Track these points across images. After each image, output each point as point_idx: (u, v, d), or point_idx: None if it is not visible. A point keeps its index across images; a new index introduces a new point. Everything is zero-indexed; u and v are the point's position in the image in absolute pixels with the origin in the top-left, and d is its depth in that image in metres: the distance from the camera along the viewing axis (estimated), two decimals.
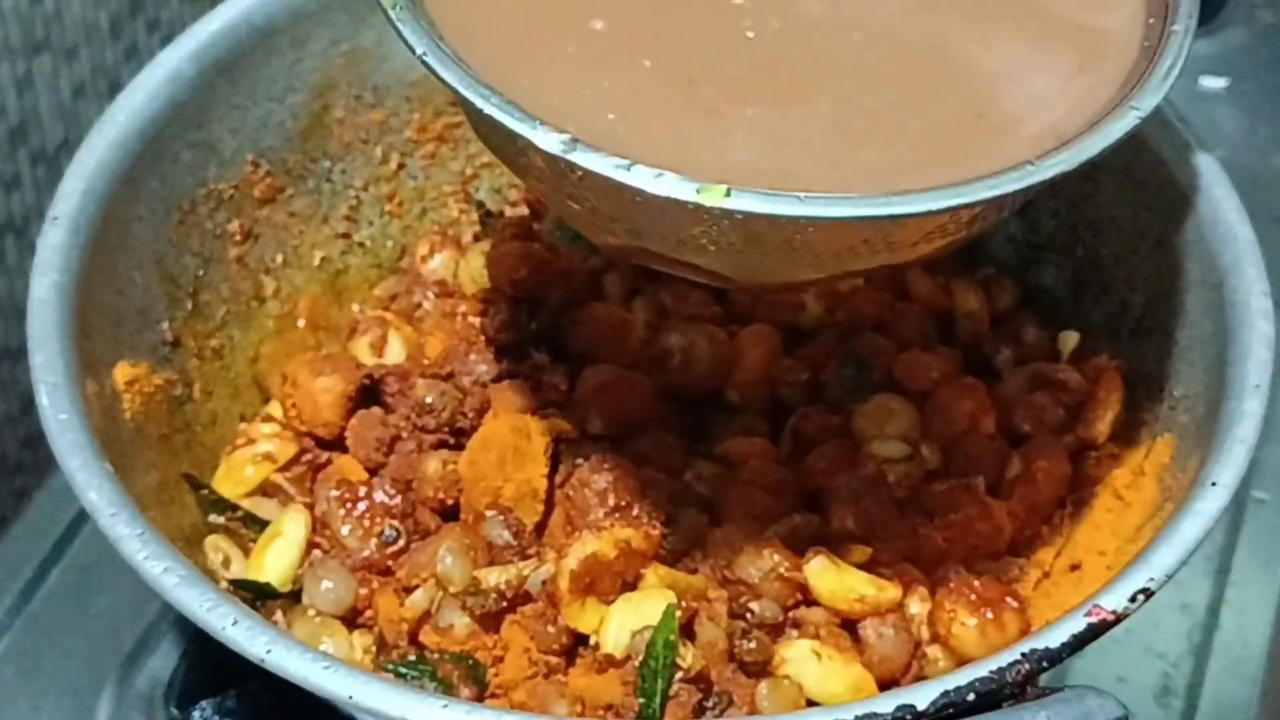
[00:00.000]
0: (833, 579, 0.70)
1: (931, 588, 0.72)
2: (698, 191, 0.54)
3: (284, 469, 0.78)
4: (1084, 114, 0.60)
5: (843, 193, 0.55)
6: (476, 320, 0.81)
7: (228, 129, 0.80)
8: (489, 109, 0.56)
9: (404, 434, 0.77)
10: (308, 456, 0.78)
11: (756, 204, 0.55)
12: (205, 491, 0.76)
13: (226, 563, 0.73)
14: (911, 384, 0.80)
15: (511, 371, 0.80)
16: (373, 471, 0.77)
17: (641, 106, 0.59)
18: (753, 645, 0.68)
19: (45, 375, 0.66)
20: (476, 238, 0.89)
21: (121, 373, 0.72)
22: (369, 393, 0.79)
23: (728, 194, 0.54)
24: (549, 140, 0.55)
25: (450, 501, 0.75)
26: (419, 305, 0.85)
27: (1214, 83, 1.14)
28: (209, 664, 0.77)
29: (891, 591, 0.71)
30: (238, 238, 0.81)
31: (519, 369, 0.81)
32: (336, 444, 0.79)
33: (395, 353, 0.82)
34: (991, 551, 0.74)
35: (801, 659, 0.68)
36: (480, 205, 0.90)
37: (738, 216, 0.55)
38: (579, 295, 0.82)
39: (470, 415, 0.77)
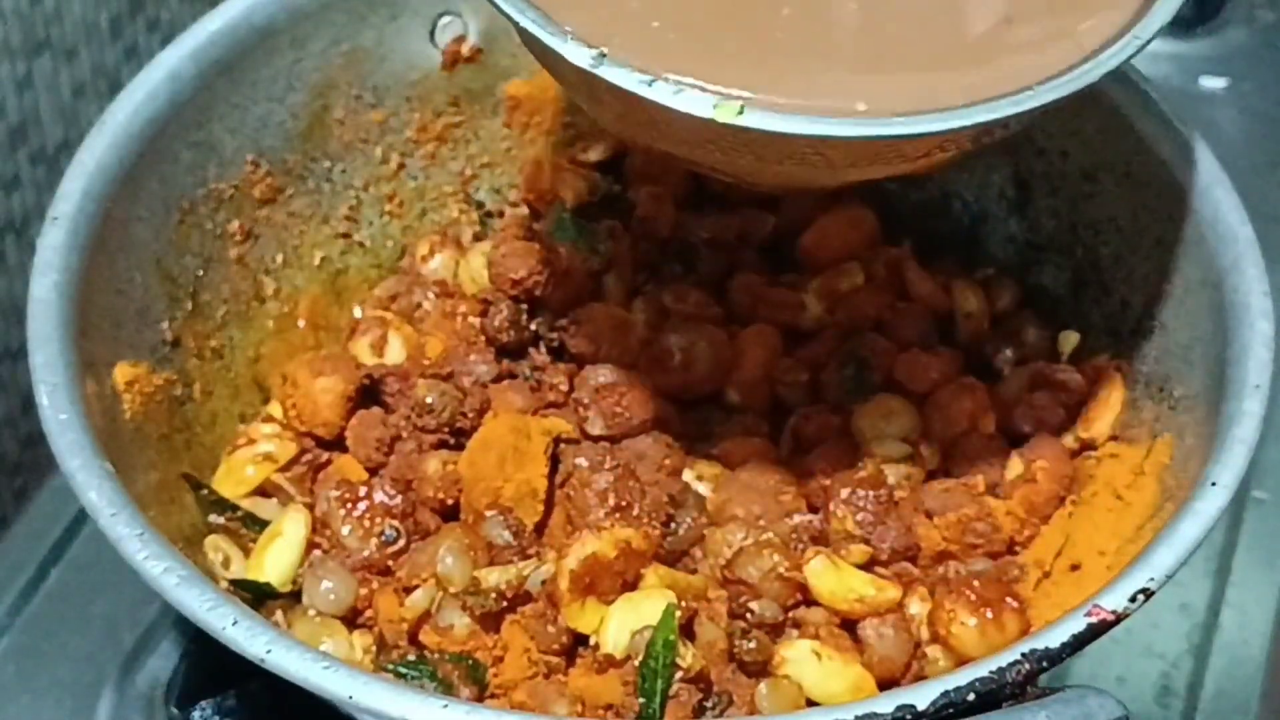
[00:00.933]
0: (832, 579, 0.70)
1: (931, 588, 0.72)
2: (714, 107, 0.58)
3: (284, 469, 0.78)
4: (1102, 35, 0.63)
5: (874, 102, 0.59)
6: (476, 320, 0.81)
7: (227, 129, 0.80)
8: (524, 22, 0.60)
9: (404, 434, 0.77)
10: (308, 456, 0.78)
11: (767, 122, 0.58)
12: (205, 491, 0.76)
13: (226, 563, 0.73)
14: (911, 384, 0.80)
15: (511, 372, 0.80)
16: (373, 471, 0.77)
17: (684, 17, 0.61)
18: (753, 645, 0.68)
19: (45, 375, 0.66)
20: (477, 238, 0.89)
21: (121, 373, 0.72)
22: (369, 393, 0.79)
23: (740, 111, 0.58)
24: (578, 55, 0.59)
25: (450, 501, 0.75)
26: (419, 305, 0.85)
27: (1214, 83, 1.14)
28: (209, 664, 0.76)
29: (891, 592, 0.71)
30: (238, 238, 0.81)
31: (519, 369, 0.81)
32: (336, 444, 0.79)
33: (395, 353, 0.82)
34: (991, 551, 0.74)
35: (801, 659, 0.68)
36: (480, 205, 0.90)
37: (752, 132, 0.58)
38: (579, 295, 0.82)
39: (470, 415, 0.77)
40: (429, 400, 0.77)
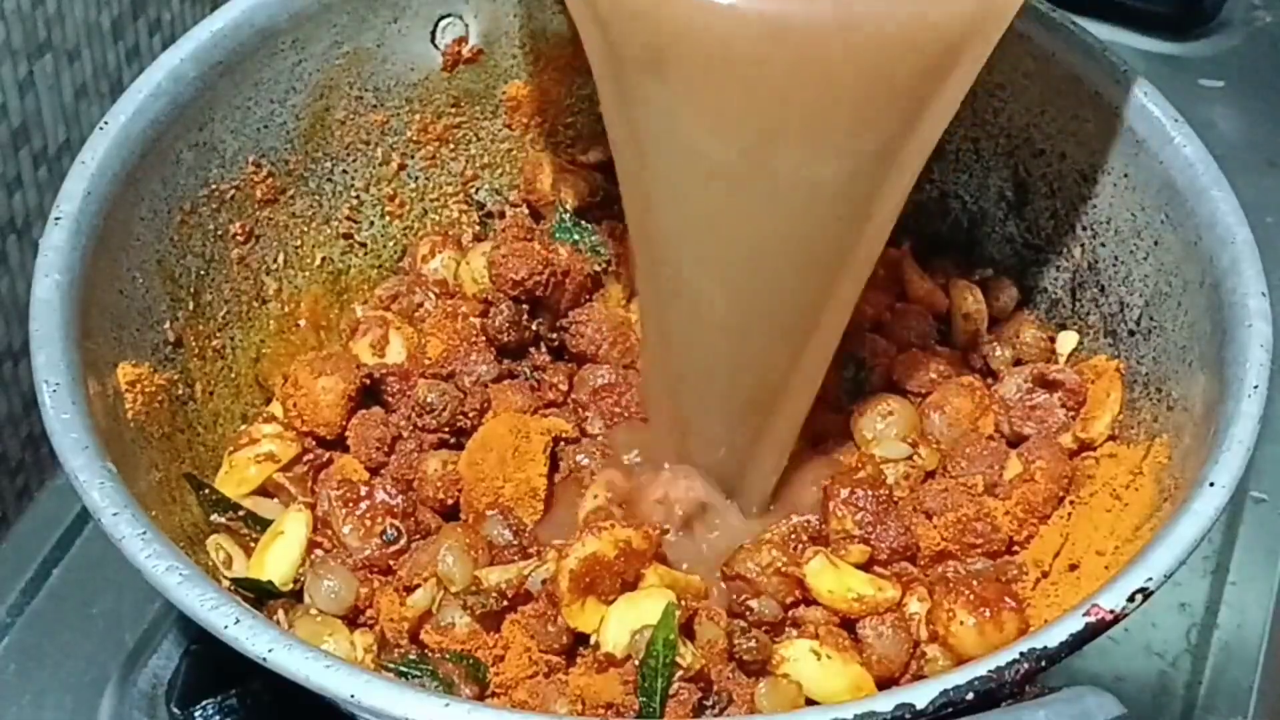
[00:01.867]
0: (831, 578, 0.71)
1: (930, 587, 0.72)
2: None
3: (285, 469, 0.78)
4: None
5: None
6: (477, 320, 0.82)
7: (229, 130, 0.80)
8: None
9: (404, 434, 0.78)
10: (309, 457, 0.78)
11: None
12: (207, 491, 0.76)
13: (229, 562, 0.73)
14: (911, 384, 0.80)
15: (512, 372, 0.81)
16: (374, 471, 0.77)
17: None
18: (752, 644, 0.68)
19: (48, 375, 0.66)
20: (477, 238, 0.90)
21: (124, 373, 0.72)
22: (369, 393, 0.79)
23: None
24: None
25: (450, 501, 0.75)
26: (420, 305, 0.85)
27: (1213, 83, 1.14)
28: (210, 663, 0.77)
29: (890, 591, 0.71)
30: (239, 238, 0.82)
31: (519, 369, 0.81)
32: (337, 443, 0.79)
33: (396, 352, 0.82)
34: (990, 551, 0.74)
35: (801, 658, 0.68)
36: (481, 206, 0.91)
37: None
38: (579, 296, 0.82)
39: (471, 415, 0.77)
40: (430, 400, 0.77)
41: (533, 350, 0.82)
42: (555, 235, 0.85)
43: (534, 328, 0.82)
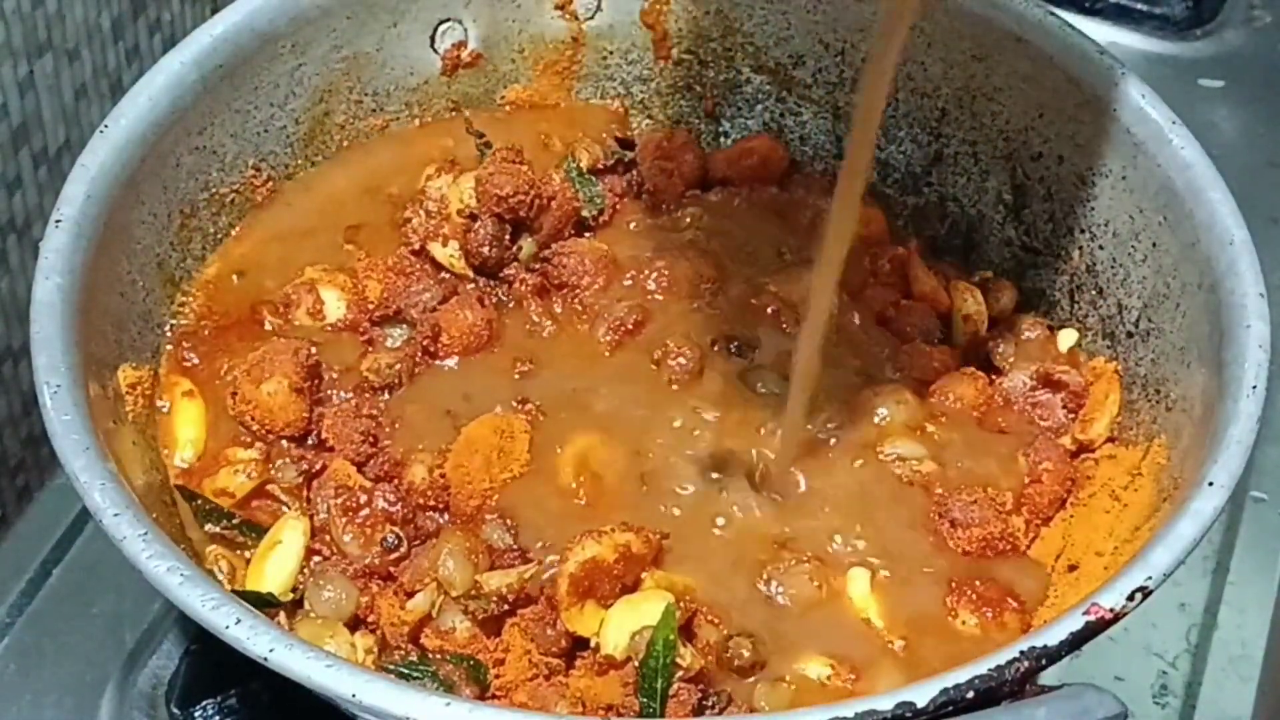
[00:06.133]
0: (862, 588, 0.71)
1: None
2: None
3: (268, 474, 0.76)
4: None
5: None
6: (407, 250, 0.82)
7: (229, 133, 0.80)
8: None
9: (381, 420, 0.77)
10: (304, 464, 0.76)
11: None
12: (200, 501, 0.74)
13: (232, 576, 0.72)
14: (915, 374, 0.80)
15: (456, 289, 0.80)
16: (363, 464, 0.76)
17: None
18: (744, 650, 0.68)
19: (49, 377, 0.66)
20: None
21: (124, 375, 0.72)
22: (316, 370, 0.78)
23: None
24: None
25: (441, 506, 0.75)
26: (408, 220, 0.84)
27: (1212, 84, 1.14)
28: (211, 664, 0.77)
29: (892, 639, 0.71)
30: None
31: (493, 292, 0.81)
32: (310, 435, 0.77)
33: (335, 309, 0.80)
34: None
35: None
36: (480, 135, 0.89)
37: None
38: (562, 227, 0.83)
39: (426, 343, 0.78)
40: (384, 381, 0.77)
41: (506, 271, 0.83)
42: (569, 172, 0.85)
43: (515, 251, 0.82)
